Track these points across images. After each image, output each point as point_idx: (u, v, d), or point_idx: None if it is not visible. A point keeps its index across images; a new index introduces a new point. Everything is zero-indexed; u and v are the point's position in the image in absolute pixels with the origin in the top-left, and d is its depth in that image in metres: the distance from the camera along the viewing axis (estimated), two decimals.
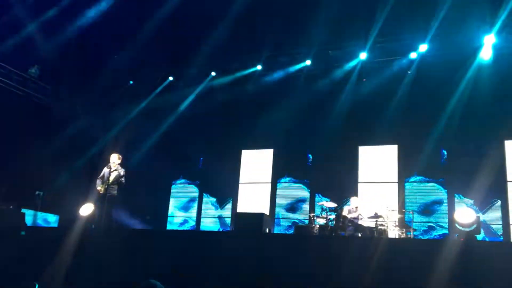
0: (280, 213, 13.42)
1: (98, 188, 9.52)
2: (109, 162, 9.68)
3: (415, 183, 12.16)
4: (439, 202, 11.84)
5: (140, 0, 11.98)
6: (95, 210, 9.75)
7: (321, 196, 12.65)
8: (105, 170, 9.70)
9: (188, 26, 12.27)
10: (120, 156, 9.79)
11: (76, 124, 13.53)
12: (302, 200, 13.26)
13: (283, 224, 13.28)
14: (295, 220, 13.07)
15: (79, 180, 12.01)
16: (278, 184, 13.69)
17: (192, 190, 14.63)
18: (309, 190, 13.23)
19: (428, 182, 12.04)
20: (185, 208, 14.48)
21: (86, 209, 10.00)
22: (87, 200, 10.18)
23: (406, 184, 12.22)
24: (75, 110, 14.09)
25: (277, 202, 13.52)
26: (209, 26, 12.10)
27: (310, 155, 13.29)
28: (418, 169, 12.08)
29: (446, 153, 11.91)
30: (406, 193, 12.15)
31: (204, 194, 14.42)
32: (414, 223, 10.80)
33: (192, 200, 14.46)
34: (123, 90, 14.53)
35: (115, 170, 9.62)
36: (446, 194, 11.79)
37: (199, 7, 11.52)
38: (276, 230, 12.97)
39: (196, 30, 12.36)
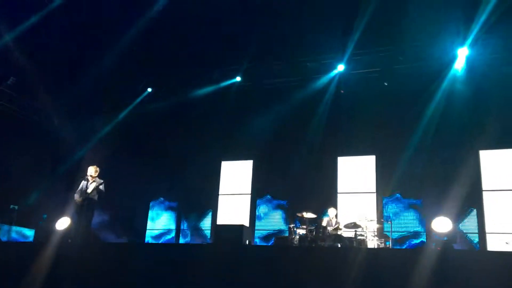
0: (259, 225, 13.40)
1: (77, 201, 9.40)
2: (87, 175, 9.59)
3: (393, 203, 12.30)
4: (414, 215, 12.01)
5: (118, 10, 11.89)
6: (72, 224, 9.61)
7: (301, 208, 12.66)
8: (83, 183, 9.60)
9: (167, 36, 12.24)
10: (98, 168, 9.71)
11: (52, 137, 13.34)
12: (281, 213, 13.26)
13: (261, 235, 13.26)
14: (272, 231, 13.08)
15: (56, 194, 11.82)
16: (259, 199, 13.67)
17: (171, 205, 14.52)
18: (288, 205, 13.21)
19: (404, 201, 12.18)
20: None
21: (63, 223, 9.85)
22: (63, 214, 10.03)
23: (384, 197, 12.35)
24: (52, 122, 13.90)
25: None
26: (188, 36, 12.11)
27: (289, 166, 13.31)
28: (395, 185, 12.18)
29: (422, 164, 12.04)
30: (384, 205, 12.27)
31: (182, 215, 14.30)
32: (392, 233, 10.92)
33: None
34: (101, 101, 14.38)
35: (93, 182, 9.53)
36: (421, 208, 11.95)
37: (177, 16, 11.51)
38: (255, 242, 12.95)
39: (175, 40, 12.35)
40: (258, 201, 13.62)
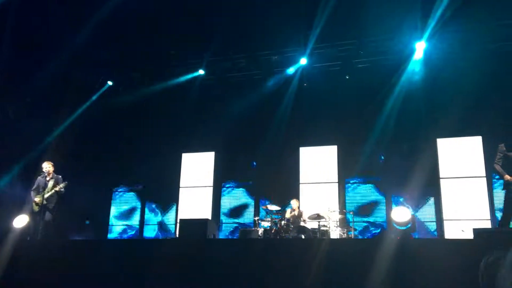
0: (223, 217, 13.42)
1: (36, 199, 9.18)
2: (43, 172, 9.37)
3: (354, 184, 12.54)
4: (376, 202, 12.28)
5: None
6: (31, 222, 9.37)
7: (265, 199, 12.77)
8: (39, 180, 9.38)
9: (129, 28, 11.99)
10: (52, 163, 9.51)
11: (8, 131, 12.89)
12: (245, 206, 13.29)
13: (225, 229, 13.27)
14: (237, 224, 13.13)
15: (13, 190, 11.46)
16: (222, 189, 13.66)
17: (133, 198, 14.30)
18: (252, 197, 13.25)
19: (365, 183, 12.44)
20: (126, 216, 14.09)
21: (21, 221, 9.58)
22: (21, 211, 9.76)
23: (347, 185, 12.57)
24: (7, 115, 13.41)
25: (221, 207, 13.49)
26: (151, 28, 11.91)
27: (254, 163, 13.36)
28: (357, 170, 12.44)
29: (383, 153, 12.35)
30: (346, 193, 12.50)
31: (146, 202, 14.14)
32: (354, 223, 11.16)
33: (133, 209, 14.11)
34: (60, 94, 13.97)
35: (52, 178, 9.32)
36: (383, 196, 12.23)
37: (139, 8, 11.29)
38: (220, 235, 12.95)
39: (137, 32, 12.12)
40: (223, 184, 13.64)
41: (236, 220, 13.26)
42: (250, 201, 13.28)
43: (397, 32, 11.60)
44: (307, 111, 12.77)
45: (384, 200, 12.18)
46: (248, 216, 13.13)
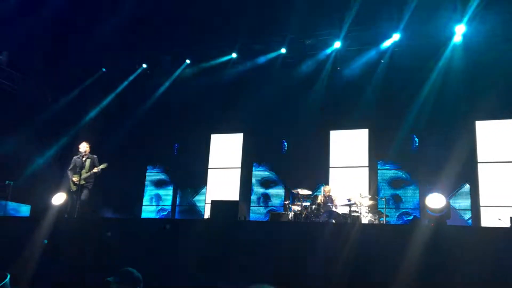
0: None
1: (74, 179, 9.46)
2: (79, 152, 9.64)
3: (385, 170, 12.33)
4: (408, 189, 12.04)
5: None
6: (68, 199, 9.67)
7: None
8: (76, 160, 9.64)
9: (162, 12, 12.08)
10: (89, 144, 9.77)
11: (46, 112, 13.28)
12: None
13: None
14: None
15: (51, 169, 11.83)
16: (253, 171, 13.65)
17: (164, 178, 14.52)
18: (282, 180, 13.24)
19: (397, 169, 12.20)
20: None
21: (59, 198, 9.89)
22: (59, 189, 10.07)
23: (379, 170, 12.36)
24: (45, 97, 13.80)
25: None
26: (183, 13, 11.95)
27: (285, 142, 13.25)
28: (389, 155, 12.19)
29: (417, 139, 12.06)
30: (378, 179, 12.30)
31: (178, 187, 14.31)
32: (386, 209, 11.00)
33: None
34: (96, 77, 14.24)
35: (88, 158, 9.57)
36: (416, 182, 11.99)
37: None
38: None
39: (169, 16, 12.20)
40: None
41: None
42: (279, 185, 13.23)
43: (436, 15, 11.21)
44: (339, 94, 12.58)
45: (417, 187, 11.92)
46: (276, 200, 13.09)
